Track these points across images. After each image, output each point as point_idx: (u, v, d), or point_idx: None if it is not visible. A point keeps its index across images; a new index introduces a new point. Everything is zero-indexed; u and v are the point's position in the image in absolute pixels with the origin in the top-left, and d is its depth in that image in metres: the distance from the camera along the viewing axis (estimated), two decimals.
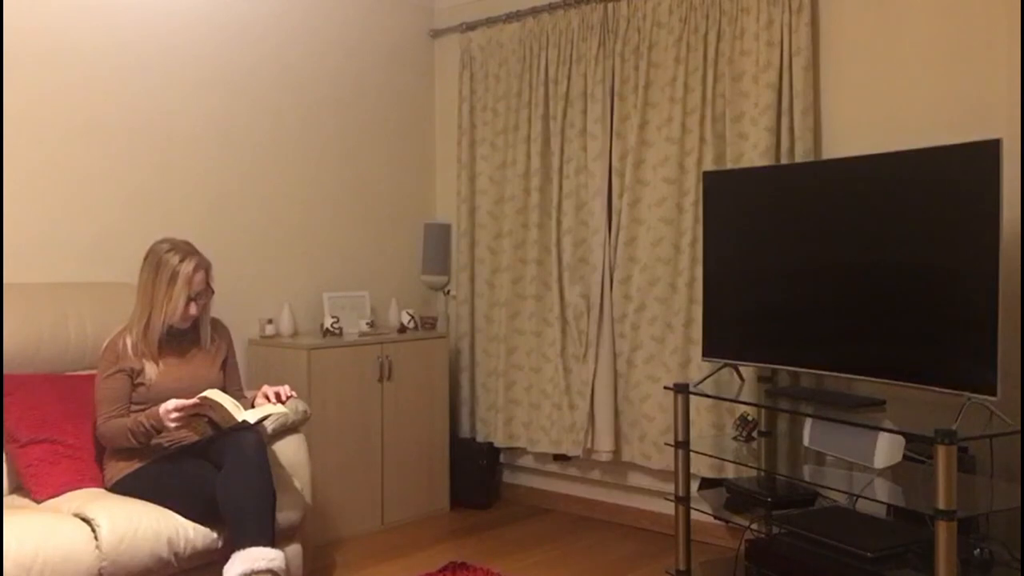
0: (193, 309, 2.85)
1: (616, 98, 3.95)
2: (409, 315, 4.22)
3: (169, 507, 2.63)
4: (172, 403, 2.64)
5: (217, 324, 3.06)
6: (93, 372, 3.06)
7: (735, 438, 3.30)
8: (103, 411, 2.79)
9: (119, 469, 2.77)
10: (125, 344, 2.83)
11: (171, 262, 2.82)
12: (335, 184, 4.31)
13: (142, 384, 2.82)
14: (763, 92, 3.48)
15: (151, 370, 2.82)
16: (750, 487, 3.14)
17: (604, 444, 3.98)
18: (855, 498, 2.76)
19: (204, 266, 2.89)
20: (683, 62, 3.73)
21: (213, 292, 2.95)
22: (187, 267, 2.83)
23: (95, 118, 3.46)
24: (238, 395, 2.99)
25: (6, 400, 2.78)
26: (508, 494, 4.46)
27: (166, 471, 2.74)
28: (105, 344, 2.86)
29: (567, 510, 4.25)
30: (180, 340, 2.93)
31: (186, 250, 2.86)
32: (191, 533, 2.62)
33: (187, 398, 2.67)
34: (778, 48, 3.46)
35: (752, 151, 3.51)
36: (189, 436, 2.80)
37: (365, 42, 4.43)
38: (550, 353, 4.17)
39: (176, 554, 2.57)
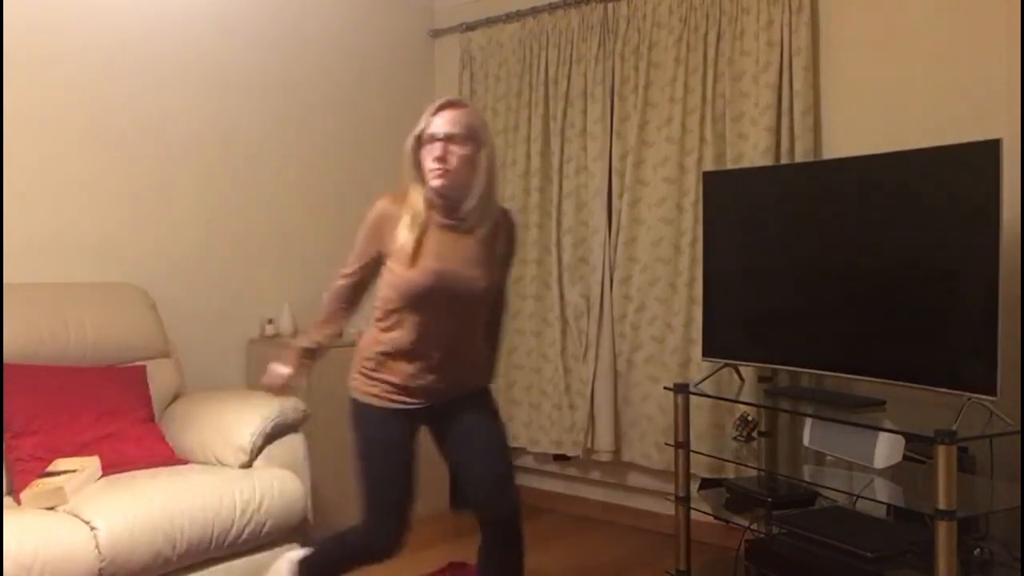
0: (436, 151, 2.24)
1: (616, 98, 3.95)
2: None
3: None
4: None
5: (506, 216, 2.45)
6: (95, 365, 3.06)
7: (735, 438, 3.30)
8: (349, 264, 2.44)
9: (355, 387, 2.44)
10: (387, 213, 2.35)
11: (425, 114, 2.32)
12: (335, 184, 4.31)
13: (393, 255, 2.32)
14: (763, 92, 3.48)
15: (404, 237, 2.30)
16: (750, 487, 3.14)
17: (604, 444, 3.98)
18: (855, 498, 2.76)
19: (457, 107, 2.31)
20: (683, 62, 3.73)
21: (478, 146, 2.30)
22: (430, 110, 2.31)
23: (95, 118, 3.46)
24: (495, 312, 2.50)
25: (5, 390, 2.78)
26: None
27: (374, 447, 2.39)
28: (376, 204, 2.40)
29: (567, 510, 4.25)
30: (450, 220, 2.34)
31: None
32: (188, 528, 2.62)
33: (441, 282, 2.27)
34: (778, 48, 3.46)
35: (752, 151, 3.51)
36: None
37: (365, 42, 4.43)
38: (550, 353, 4.16)
39: (176, 550, 2.58)
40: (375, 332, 2.39)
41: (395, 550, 2.38)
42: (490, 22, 4.41)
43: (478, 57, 4.49)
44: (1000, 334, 2.44)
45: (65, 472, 2.65)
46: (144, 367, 3.20)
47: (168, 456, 2.99)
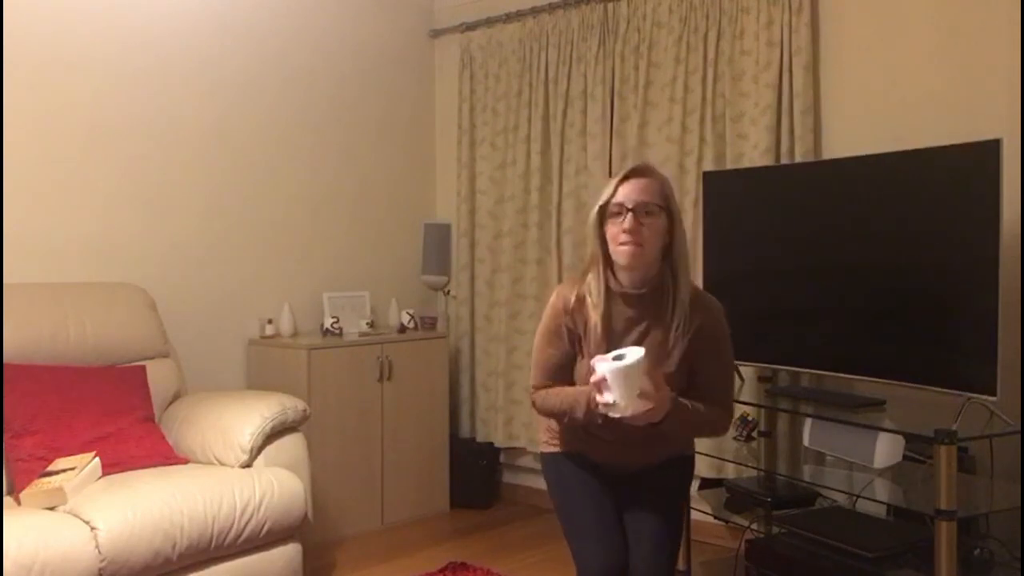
0: (627, 224, 2.05)
1: (616, 98, 3.95)
2: (409, 315, 4.22)
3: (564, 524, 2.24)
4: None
5: (701, 302, 2.18)
6: (95, 365, 3.05)
7: (735, 438, 3.30)
8: (535, 379, 2.24)
9: (542, 440, 2.37)
10: (569, 297, 2.18)
11: (610, 183, 2.13)
12: (335, 184, 4.31)
13: (581, 351, 2.17)
14: (763, 92, 3.48)
15: (594, 317, 2.13)
16: (750, 487, 3.14)
17: None
18: (855, 498, 2.76)
19: (645, 175, 2.11)
20: (683, 62, 3.73)
21: (672, 219, 2.11)
22: (615, 179, 2.12)
23: (96, 119, 3.46)
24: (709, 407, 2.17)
25: (5, 390, 2.78)
26: (508, 494, 4.46)
27: (572, 493, 2.23)
28: (551, 298, 2.24)
29: None
30: (636, 305, 2.15)
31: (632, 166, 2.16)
32: (188, 528, 2.62)
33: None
34: (778, 48, 3.46)
35: (752, 151, 3.51)
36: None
37: (365, 42, 4.43)
38: None
39: (175, 550, 2.58)
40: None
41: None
42: (490, 22, 4.41)
43: (478, 57, 4.49)
44: (1000, 334, 2.44)
45: (65, 471, 2.65)
46: (144, 367, 3.20)
47: (168, 456, 2.99)
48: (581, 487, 2.21)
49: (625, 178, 2.11)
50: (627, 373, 1.93)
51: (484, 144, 4.47)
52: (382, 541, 3.82)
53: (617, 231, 2.08)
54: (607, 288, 2.14)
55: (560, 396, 2.16)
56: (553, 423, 2.29)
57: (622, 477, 2.24)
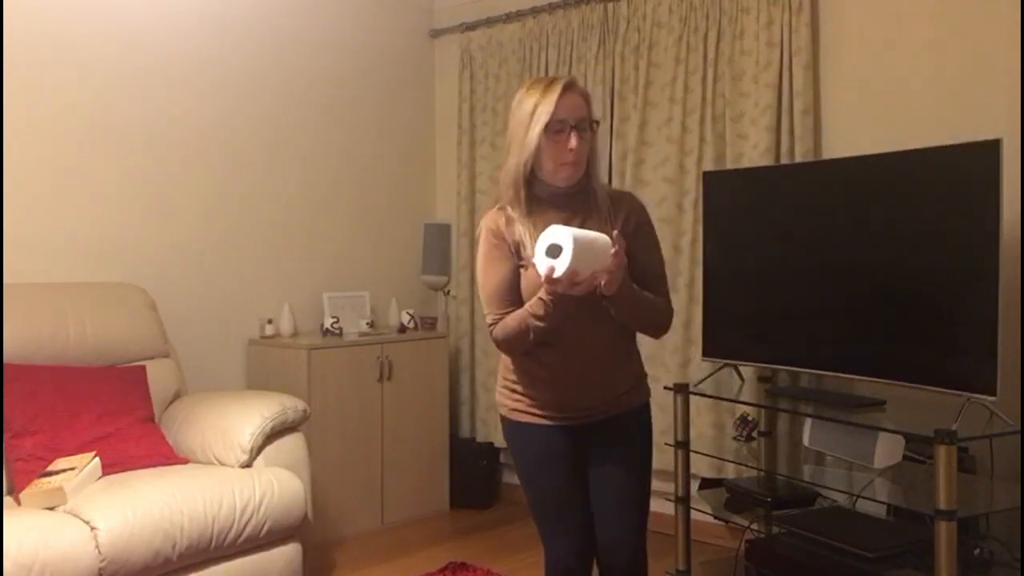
0: (573, 142, 2.01)
1: (616, 98, 3.95)
2: (409, 315, 4.22)
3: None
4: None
5: (623, 195, 2.22)
6: (95, 365, 3.05)
7: (735, 438, 3.30)
8: (491, 312, 2.12)
9: (501, 402, 2.26)
10: (498, 220, 2.12)
11: (529, 98, 2.05)
12: (335, 184, 4.31)
13: (523, 265, 2.09)
14: (763, 92, 3.48)
15: (529, 242, 2.04)
16: (750, 487, 3.14)
17: None
18: (855, 498, 2.76)
19: (578, 88, 2.07)
20: (683, 62, 3.73)
21: (594, 130, 2.11)
22: (551, 94, 2.02)
23: (96, 119, 3.46)
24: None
25: (5, 390, 2.78)
26: (508, 494, 4.46)
27: (532, 470, 2.20)
28: (479, 228, 2.18)
29: None
30: (565, 207, 2.11)
31: (551, 79, 2.08)
32: (188, 528, 2.62)
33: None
34: (778, 48, 3.46)
35: (752, 151, 3.51)
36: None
37: (365, 42, 4.43)
38: None
39: (176, 550, 2.58)
40: None
41: (579, 568, 2.17)
42: (490, 22, 4.41)
43: (478, 57, 4.49)
44: (1000, 334, 2.44)
45: (65, 471, 2.65)
46: (144, 367, 3.20)
47: (168, 456, 3.00)
48: (549, 464, 2.16)
49: (563, 91, 2.03)
50: (589, 236, 1.91)
51: (484, 144, 4.47)
52: (382, 541, 3.82)
53: (561, 149, 2.03)
54: (536, 198, 2.10)
55: (518, 313, 2.06)
56: (509, 376, 2.18)
57: (588, 430, 2.16)
